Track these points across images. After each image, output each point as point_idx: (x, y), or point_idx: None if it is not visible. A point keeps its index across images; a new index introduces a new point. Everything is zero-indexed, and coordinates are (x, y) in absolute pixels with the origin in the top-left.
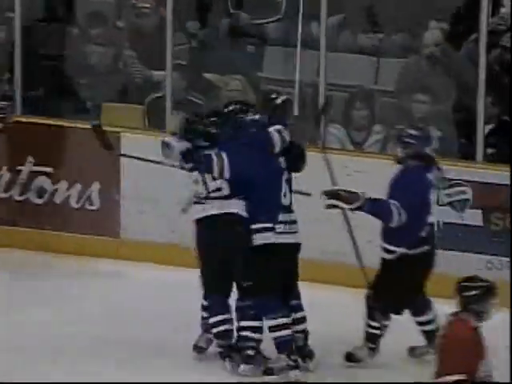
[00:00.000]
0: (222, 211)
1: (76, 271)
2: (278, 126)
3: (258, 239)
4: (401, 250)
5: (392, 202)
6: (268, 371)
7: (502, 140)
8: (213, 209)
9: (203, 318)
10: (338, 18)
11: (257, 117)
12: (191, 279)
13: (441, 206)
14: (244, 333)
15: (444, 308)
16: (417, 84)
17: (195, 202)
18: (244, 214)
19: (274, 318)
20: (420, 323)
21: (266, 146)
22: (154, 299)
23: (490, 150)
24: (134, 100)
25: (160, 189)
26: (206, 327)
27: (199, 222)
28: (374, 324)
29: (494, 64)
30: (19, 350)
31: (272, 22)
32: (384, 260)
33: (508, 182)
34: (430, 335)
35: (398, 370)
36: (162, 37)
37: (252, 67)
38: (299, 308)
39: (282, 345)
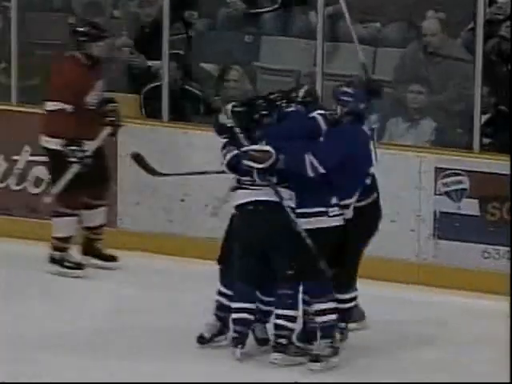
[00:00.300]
0: (269, 198)
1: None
2: (319, 111)
3: (311, 224)
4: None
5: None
6: (314, 358)
7: (499, 130)
8: (258, 195)
9: (219, 308)
10: (335, 7)
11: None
12: (189, 269)
13: (438, 195)
14: (279, 321)
15: (439, 297)
16: (414, 74)
17: (238, 188)
18: (290, 202)
19: (323, 302)
20: (341, 301)
21: (316, 132)
22: (151, 288)
23: (486, 140)
24: (131, 89)
25: (157, 179)
26: (221, 316)
27: (241, 207)
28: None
29: (491, 54)
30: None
31: (269, 11)
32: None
33: (504, 172)
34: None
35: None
36: (158, 26)
37: (249, 57)
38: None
39: (326, 330)
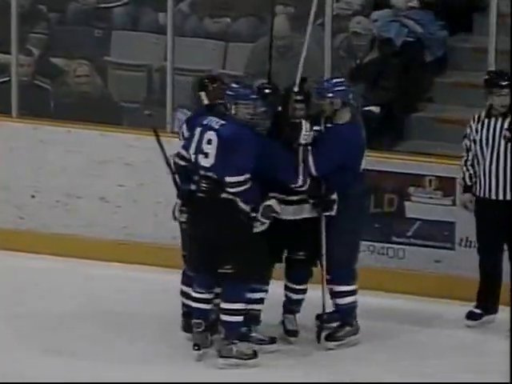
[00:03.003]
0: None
1: None
2: None
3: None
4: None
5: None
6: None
7: None
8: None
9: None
10: (185, 2)
11: None
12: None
13: None
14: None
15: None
16: (264, 69)
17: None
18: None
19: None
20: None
21: None
22: None
23: None
24: None
25: (8, 175)
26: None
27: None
28: None
29: (339, 49)
30: None
31: (119, 6)
32: None
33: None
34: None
35: None
36: (7, 19)
37: (99, 52)
38: None
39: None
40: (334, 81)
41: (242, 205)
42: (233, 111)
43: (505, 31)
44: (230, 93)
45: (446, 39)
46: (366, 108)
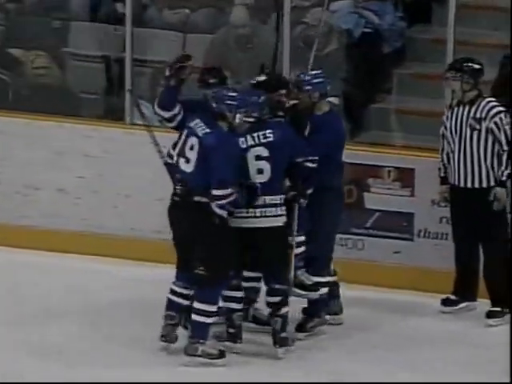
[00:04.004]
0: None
1: None
2: None
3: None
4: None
5: None
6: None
7: None
8: None
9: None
10: None
11: None
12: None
13: None
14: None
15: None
16: (223, 61)
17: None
18: None
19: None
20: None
21: None
22: None
23: None
24: None
25: None
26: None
27: None
28: None
29: (297, 40)
30: None
31: None
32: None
33: None
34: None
35: None
36: None
37: (58, 42)
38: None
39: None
40: (313, 73)
41: (216, 210)
42: (237, 120)
43: (463, 22)
44: (233, 102)
45: (404, 30)
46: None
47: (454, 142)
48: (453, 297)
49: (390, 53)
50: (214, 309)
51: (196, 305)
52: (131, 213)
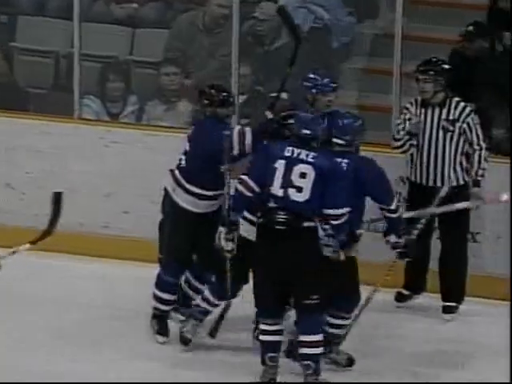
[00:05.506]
0: None
1: None
2: None
3: None
4: None
5: None
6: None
7: (256, 110)
8: None
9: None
10: None
11: None
12: None
13: None
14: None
15: None
16: (171, 55)
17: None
18: None
19: None
20: None
21: None
22: None
23: (245, 121)
24: None
25: None
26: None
27: None
28: None
29: (247, 35)
30: None
31: None
32: None
33: None
34: None
35: None
36: None
37: (5, 37)
38: None
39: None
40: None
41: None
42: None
43: (410, 17)
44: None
45: (352, 25)
46: (275, 94)
47: (423, 143)
48: (405, 291)
49: (338, 48)
50: (321, 338)
51: (304, 337)
52: (78, 209)
